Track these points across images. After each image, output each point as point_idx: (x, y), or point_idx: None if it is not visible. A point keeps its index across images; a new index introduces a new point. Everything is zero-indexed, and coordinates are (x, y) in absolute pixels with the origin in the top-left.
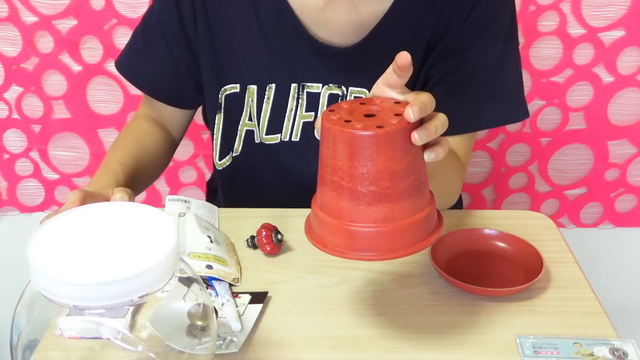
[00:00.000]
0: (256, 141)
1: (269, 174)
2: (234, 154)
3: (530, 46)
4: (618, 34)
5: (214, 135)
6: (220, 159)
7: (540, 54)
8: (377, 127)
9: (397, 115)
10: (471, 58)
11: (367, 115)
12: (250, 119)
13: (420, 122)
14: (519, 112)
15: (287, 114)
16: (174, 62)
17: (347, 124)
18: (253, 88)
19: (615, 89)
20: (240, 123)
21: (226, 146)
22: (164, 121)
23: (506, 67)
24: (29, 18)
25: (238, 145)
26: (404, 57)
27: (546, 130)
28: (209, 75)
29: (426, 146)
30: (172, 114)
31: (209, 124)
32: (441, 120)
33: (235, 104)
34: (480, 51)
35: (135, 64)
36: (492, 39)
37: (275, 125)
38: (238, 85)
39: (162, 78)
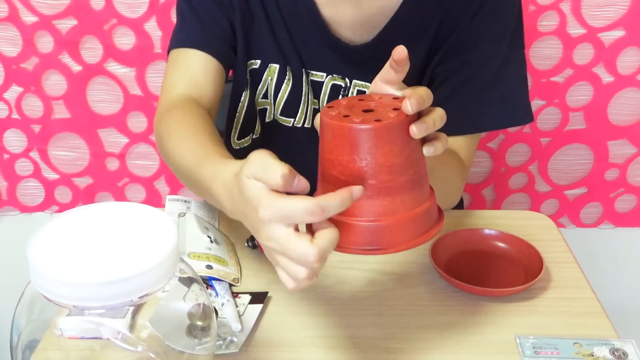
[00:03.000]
0: (267, 120)
1: (285, 159)
2: (253, 136)
3: (530, 46)
4: (618, 34)
5: (237, 113)
6: (239, 138)
7: (540, 54)
8: (376, 120)
9: (395, 109)
10: (475, 59)
11: (366, 111)
12: (265, 97)
13: (419, 117)
14: (523, 115)
15: (302, 98)
16: (227, 20)
17: (346, 119)
18: (275, 67)
19: (615, 89)
20: (255, 100)
21: (247, 125)
22: (200, 89)
23: (511, 69)
24: (29, 18)
25: (258, 127)
26: (400, 51)
27: (546, 130)
28: (240, 48)
29: (425, 141)
30: (211, 79)
31: (230, 102)
32: (439, 114)
33: (254, 81)
34: (484, 52)
35: (192, 32)
36: (497, 40)
37: (290, 108)
38: (259, 62)
39: (216, 35)
